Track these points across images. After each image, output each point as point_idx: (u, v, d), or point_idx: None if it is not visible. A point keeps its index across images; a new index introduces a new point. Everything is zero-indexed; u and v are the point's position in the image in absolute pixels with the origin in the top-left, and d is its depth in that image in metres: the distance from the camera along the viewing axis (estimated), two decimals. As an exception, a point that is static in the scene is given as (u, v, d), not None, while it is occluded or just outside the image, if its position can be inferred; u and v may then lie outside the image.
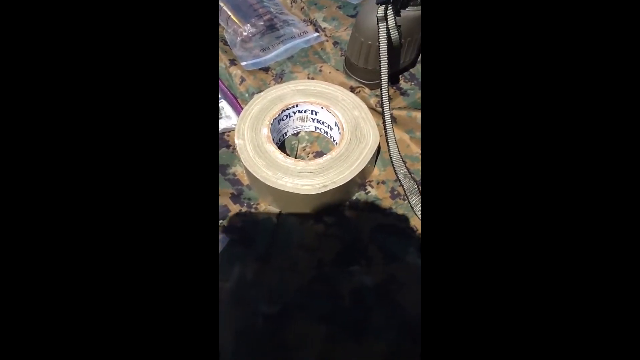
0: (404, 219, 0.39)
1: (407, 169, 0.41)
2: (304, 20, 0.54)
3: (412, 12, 0.42)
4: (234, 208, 0.39)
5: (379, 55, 0.40)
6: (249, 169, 0.36)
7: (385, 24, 0.39)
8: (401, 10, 0.42)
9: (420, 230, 0.38)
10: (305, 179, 0.36)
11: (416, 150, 0.43)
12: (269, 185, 0.36)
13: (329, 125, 0.42)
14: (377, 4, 0.38)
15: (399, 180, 0.40)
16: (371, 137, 0.39)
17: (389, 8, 0.38)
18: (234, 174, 0.41)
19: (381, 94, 0.41)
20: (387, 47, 0.40)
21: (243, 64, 0.49)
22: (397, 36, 0.40)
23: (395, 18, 0.39)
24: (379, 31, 0.39)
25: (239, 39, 0.51)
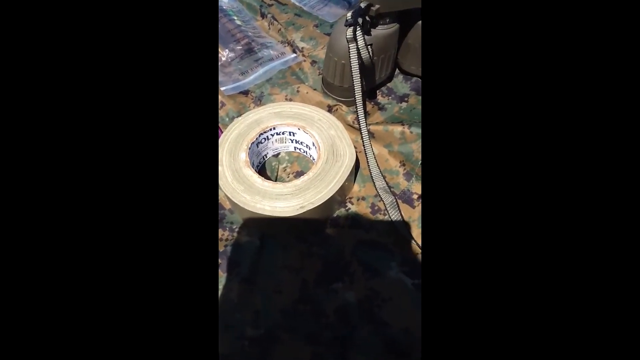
0: (385, 234, 0.39)
1: (387, 183, 0.42)
2: (282, 42, 0.55)
3: (382, 30, 0.43)
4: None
5: (352, 74, 0.41)
6: (228, 195, 0.37)
7: (355, 44, 0.40)
8: (372, 29, 0.43)
9: (401, 245, 0.38)
10: (284, 201, 0.37)
11: (395, 164, 0.44)
12: (248, 209, 0.36)
13: (307, 145, 0.43)
14: (346, 25, 0.39)
15: (379, 195, 0.41)
16: (347, 156, 0.39)
17: (357, 29, 0.39)
18: (217, 199, 0.42)
19: (357, 112, 0.42)
20: (360, 66, 0.41)
21: (223, 88, 0.50)
22: (368, 55, 0.41)
23: (364, 38, 0.40)
24: (349, 51, 0.40)
25: (218, 64, 0.52)
